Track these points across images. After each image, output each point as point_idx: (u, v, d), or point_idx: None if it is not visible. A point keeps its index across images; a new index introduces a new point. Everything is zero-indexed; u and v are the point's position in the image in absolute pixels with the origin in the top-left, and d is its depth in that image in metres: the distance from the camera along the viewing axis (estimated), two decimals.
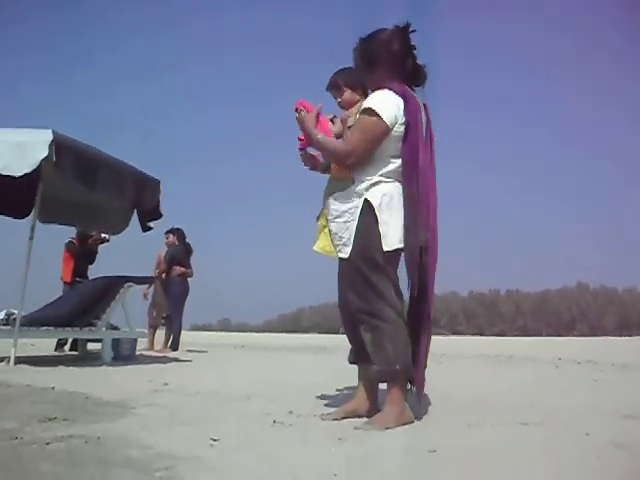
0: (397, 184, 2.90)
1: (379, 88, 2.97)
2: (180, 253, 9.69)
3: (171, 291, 9.61)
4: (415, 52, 3.04)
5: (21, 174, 5.53)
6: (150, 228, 7.74)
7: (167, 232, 9.74)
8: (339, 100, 3.26)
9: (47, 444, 2.18)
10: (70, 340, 8.27)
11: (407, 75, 3.00)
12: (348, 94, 3.23)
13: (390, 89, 2.93)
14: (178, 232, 9.80)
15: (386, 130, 2.85)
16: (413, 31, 3.01)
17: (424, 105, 3.07)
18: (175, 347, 9.42)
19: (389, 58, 2.99)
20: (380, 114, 2.84)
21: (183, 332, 9.72)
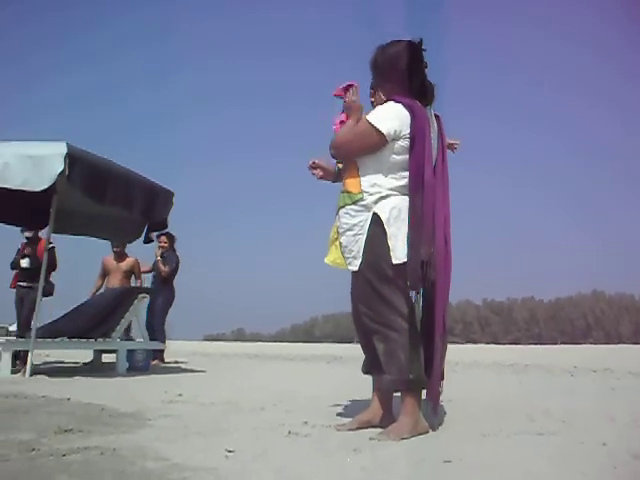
0: (406, 197, 2.92)
1: (389, 100, 3.01)
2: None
3: (163, 298, 9.01)
4: (425, 70, 3.07)
5: (41, 189, 5.60)
6: (152, 240, 7.80)
7: (160, 235, 9.00)
8: (372, 100, 3.26)
9: (64, 456, 2.19)
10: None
11: (414, 92, 3.01)
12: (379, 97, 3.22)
13: (398, 102, 2.95)
14: (172, 237, 9.27)
15: (381, 142, 2.90)
16: (425, 49, 3.04)
17: (437, 117, 3.09)
18: (162, 358, 9.03)
19: (397, 73, 3.03)
20: (377, 127, 2.88)
21: (184, 342, 9.41)
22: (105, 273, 8.99)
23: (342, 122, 3.18)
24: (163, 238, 9.06)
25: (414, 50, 3.03)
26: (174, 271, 9.15)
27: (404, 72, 3.01)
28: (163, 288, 8.99)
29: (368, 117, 2.96)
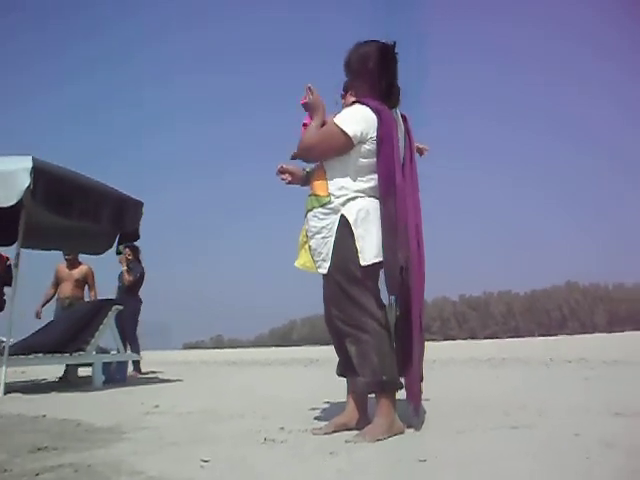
0: (373, 199, 2.94)
1: (356, 102, 3.02)
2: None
3: (130, 309, 8.72)
4: (395, 72, 3.09)
5: (9, 205, 5.53)
6: (121, 252, 7.74)
7: (125, 247, 8.86)
8: (342, 102, 3.27)
9: (37, 475, 2.17)
10: None
11: (380, 93, 3.03)
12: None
13: (365, 104, 2.97)
14: (136, 249, 9.21)
15: (347, 144, 2.92)
16: (392, 48, 3.06)
17: (404, 117, 3.12)
18: (139, 369, 8.98)
19: (366, 72, 3.05)
20: (344, 129, 2.90)
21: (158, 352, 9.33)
22: (58, 282, 8.74)
23: (305, 125, 3.20)
24: (127, 250, 8.96)
25: (385, 51, 3.05)
26: (139, 281, 9.13)
27: (372, 72, 3.04)
28: (128, 299, 8.82)
29: (335, 119, 2.97)
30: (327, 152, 3.00)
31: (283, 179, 3.38)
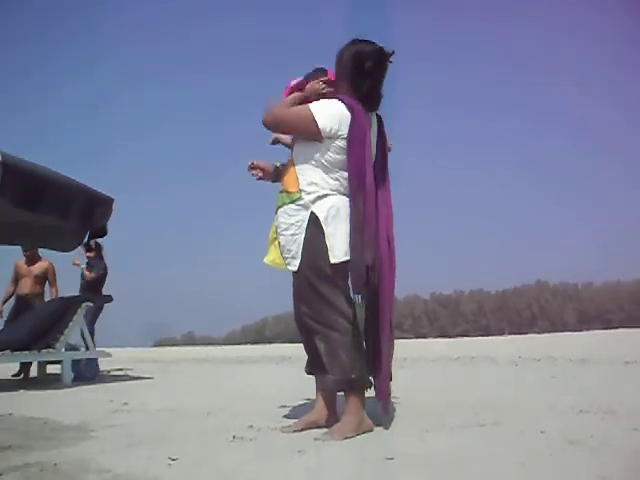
0: (344, 197, 2.94)
1: (334, 97, 3.02)
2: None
3: (92, 306, 8.35)
4: (379, 79, 3.06)
5: None
6: (92, 249, 7.66)
7: (86, 244, 8.59)
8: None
9: (0, 475, 2.15)
10: None
11: (361, 95, 3.02)
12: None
13: (341, 100, 2.97)
14: (99, 245, 8.86)
15: (313, 133, 2.92)
16: (387, 55, 3.04)
17: (379, 118, 3.12)
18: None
19: (350, 74, 3.03)
20: (316, 118, 2.90)
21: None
22: (17, 278, 8.50)
23: (292, 88, 3.23)
24: (89, 249, 8.72)
25: (377, 55, 3.01)
26: (100, 279, 8.84)
27: (358, 72, 3.00)
28: (89, 296, 8.52)
29: (311, 105, 2.97)
30: (291, 129, 3.11)
31: (254, 175, 3.38)
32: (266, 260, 3.06)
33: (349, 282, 2.93)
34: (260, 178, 3.38)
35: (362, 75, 3.01)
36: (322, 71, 3.22)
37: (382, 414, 2.98)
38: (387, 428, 2.89)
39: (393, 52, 3.03)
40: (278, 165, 3.32)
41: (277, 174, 3.30)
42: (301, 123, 2.96)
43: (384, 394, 2.95)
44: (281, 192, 3.06)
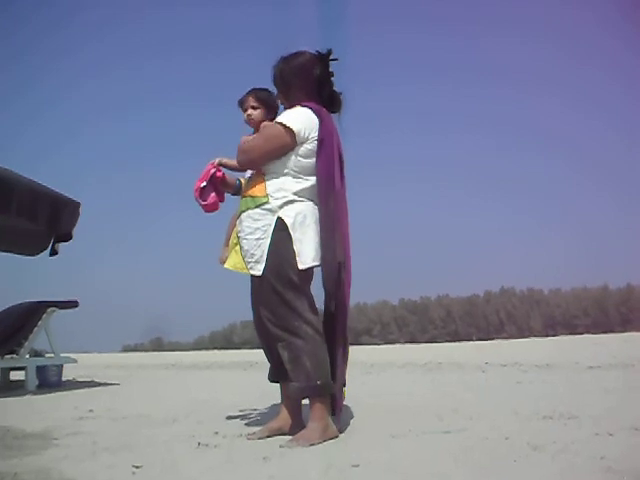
0: (311, 203, 2.95)
1: (297, 104, 3.02)
2: None
3: None
4: (332, 79, 3.10)
5: None
6: (57, 253, 7.54)
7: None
8: (249, 114, 3.22)
9: None
10: None
11: (323, 101, 3.04)
12: (259, 113, 3.21)
13: (305, 106, 2.97)
14: None
15: (292, 142, 2.91)
16: (334, 59, 3.07)
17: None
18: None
19: (307, 83, 3.05)
20: (289, 125, 2.89)
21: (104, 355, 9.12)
22: None
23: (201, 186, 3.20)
24: None
25: (324, 59, 3.06)
26: None
27: (314, 80, 3.04)
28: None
29: (277, 120, 2.97)
30: (271, 153, 2.94)
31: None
32: (227, 265, 3.03)
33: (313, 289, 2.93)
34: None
35: (315, 83, 3.04)
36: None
37: (335, 421, 2.95)
38: (345, 432, 2.91)
39: (330, 50, 3.07)
40: (243, 180, 3.27)
41: (239, 189, 3.27)
42: (275, 141, 2.93)
43: (337, 400, 2.95)
44: (245, 197, 3.04)
